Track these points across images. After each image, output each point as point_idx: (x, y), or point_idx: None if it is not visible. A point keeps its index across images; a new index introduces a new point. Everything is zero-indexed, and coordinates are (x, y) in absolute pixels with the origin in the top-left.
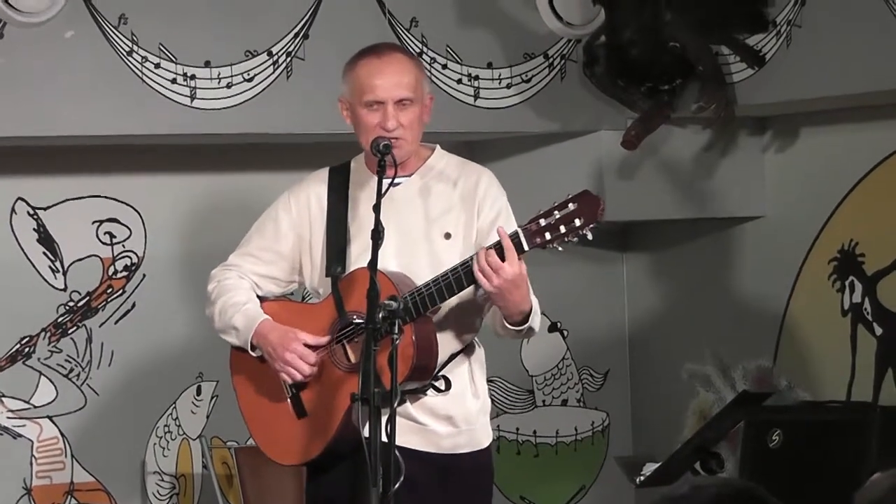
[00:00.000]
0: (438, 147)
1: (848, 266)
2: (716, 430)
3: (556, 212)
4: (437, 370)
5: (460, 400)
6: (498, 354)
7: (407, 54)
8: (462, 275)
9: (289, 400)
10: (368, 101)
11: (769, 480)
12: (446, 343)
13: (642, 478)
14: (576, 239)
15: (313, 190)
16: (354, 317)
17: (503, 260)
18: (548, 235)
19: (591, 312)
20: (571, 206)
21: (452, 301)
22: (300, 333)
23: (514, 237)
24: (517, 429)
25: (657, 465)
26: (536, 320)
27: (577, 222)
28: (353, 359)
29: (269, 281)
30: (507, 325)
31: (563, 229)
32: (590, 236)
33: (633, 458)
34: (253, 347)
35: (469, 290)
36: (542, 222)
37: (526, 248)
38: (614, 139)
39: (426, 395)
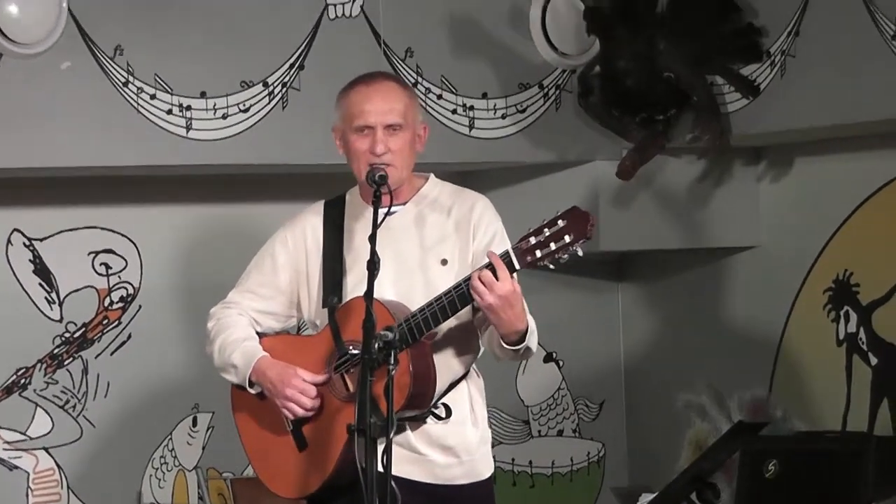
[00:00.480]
0: (432, 175)
1: (843, 296)
2: (712, 460)
3: (545, 229)
4: (436, 398)
5: (460, 429)
6: (494, 385)
7: (398, 82)
8: (455, 297)
9: (290, 433)
10: (358, 126)
11: None
12: (445, 370)
13: None
14: (566, 256)
15: (309, 224)
16: (351, 347)
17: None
18: (538, 253)
19: (586, 342)
20: (561, 223)
21: (450, 327)
22: (299, 370)
23: (505, 256)
24: (513, 459)
25: (653, 496)
26: (533, 340)
27: (567, 238)
28: (351, 388)
29: (269, 317)
30: (503, 345)
31: (553, 246)
32: (580, 253)
33: (629, 488)
34: (252, 384)
35: (466, 316)
36: (533, 240)
37: (517, 266)
38: (609, 169)
39: (426, 422)
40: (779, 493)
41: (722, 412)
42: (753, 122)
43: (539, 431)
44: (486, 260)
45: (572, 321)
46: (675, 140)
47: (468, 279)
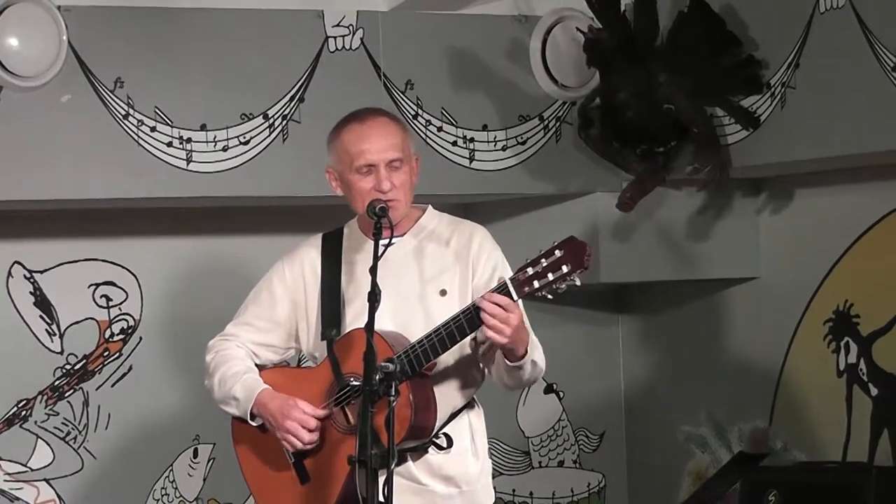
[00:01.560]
0: (430, 207)
1: (843, 327)
2: (712, 491)
3: (542, 259)
4: (437, 429)
5: (461, 459)
6: (494, 415)
7: (390, 116)
8: (454, 329)
9: (292, 466)
10: (360, 167)
11: None
12: (446, 401)
13: None
14: (564, 286)
15: (307, 257)
16: (351, 379)
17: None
18: (536, 284)
19: (586, 374)
20: (558, 253)
21: (450, 358)
22: (300, 402)
23: (503, 287)
24: (514, 490)
25: None
26: (538, 354)
27: (565, 269)
28: (352, 421)
29: (267, 349)
30: (508, 363)
31: (551, 277)
32: (578, 283)
33: None
34: (253, 417)
35: (467, 347)
36: (530, 271)
37: (515, 297)
38: (609, 201)
39: (428, 452)
40: None
41: (722, 443)
42: (753, 153)
43: (540, 462)
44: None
45: (573, 352)
46: (675, 172)
47: (468, 310)
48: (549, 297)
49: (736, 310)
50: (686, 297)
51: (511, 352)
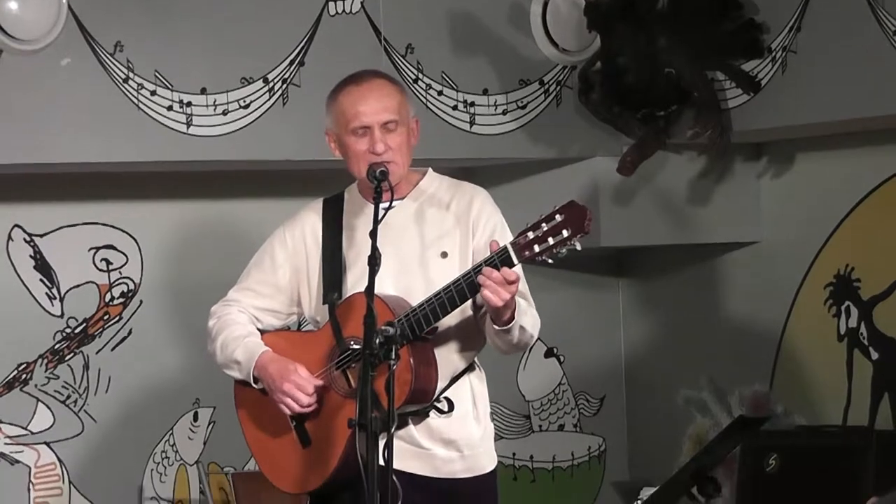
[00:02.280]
0: (430, 170)
1: (844, 291)
2: (713, 454)
3: (543, 224)
4: (437, 392)
5: (463, 423)
6: (495, 380)
7: (388, 79)
8: (455, 293)
9: (293, 429)
10: (354, 128)
11: None
12: (447, 365)
13: (639, 502)
14: (564, 251)
15: (308, 222)
16: (352, 342)
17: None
18: (536, 248)
19: (587, 338)
20: (558, 218)
21: (451, 322)
22: (299, 366)
23: (503, 252)
24: (514, 454)
25: (654, 490)
26: (526, 319)
27: (566, 233)
28: (353, 384)
29: (269, 314)
30: (496, 327)
31: (551, 241)
32: (578, 247)
33: (630, 483)
34: (255, 380)
35: (468, 311)
36: (531, 235)
37: (515, 261)
38: (610, 165)
39: (429, 416)
40: (779, 487)
41: (722, 407)
42: (754, 118)
43: (540, 426)
44: (486, 253)
45: (573, 317)
46: (675, 136)
47: (469, 274)
48: (550, 261)
49: (737, 274)
50: (687, 261)
51: (498, 316)
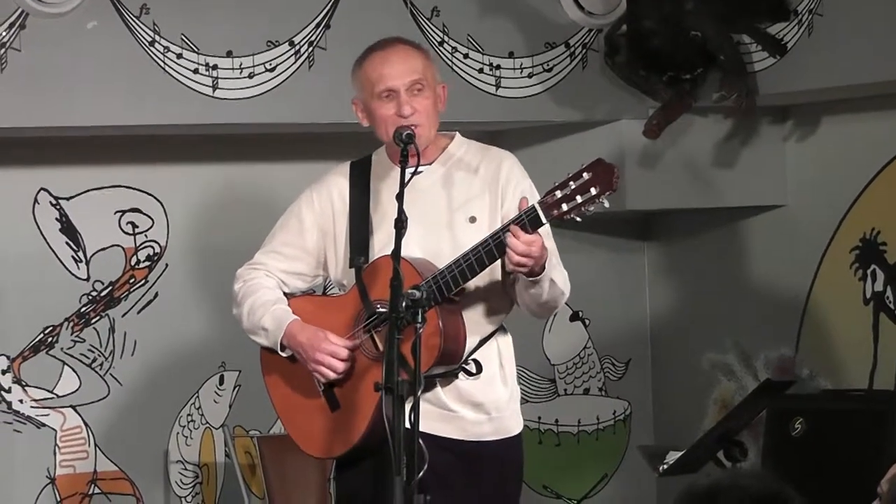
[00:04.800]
0: (458, 134)
1: (870, 255)
2: (739, 418)
3: (571, 182)
4: (465, 355)
5: (490, 386)
6: (520, 343)
7: (411, 44)
8: (483, 254)
9: (322, 394)
10: (380, 92)
11: (792, 469)
12: (475, 327)
13: (665, 466)
14: (592, 208)
15: (335, 184)
16: (378, 306)
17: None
18: (565, 206)
19: (612, 302)
20: (586, 176)
21: (479, 285)
22: (329, 334)
23: (531, 211)
24: (539, 418)
25: (680, 454)
26: (557, 274)
27: (594, 191)
28: (381, 348)
29: (296, 277)
30: (527, 279)
31: (579, 199)
32: (606, 204)
33: (656, 447)
34: (283, 348)
35: (496, 273)
36: (559, 194)
37: (544, 220)
38: (636, 128)
39: (457, 378)
40: (805, 451)
41: (748, 371)
42: (780, 81)
43: (565, 390)
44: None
45: (598, 280)
46: (701, 99)
47: (496, 236)
48: (578, 219)
49: (762, 238)
50: (712, 224)
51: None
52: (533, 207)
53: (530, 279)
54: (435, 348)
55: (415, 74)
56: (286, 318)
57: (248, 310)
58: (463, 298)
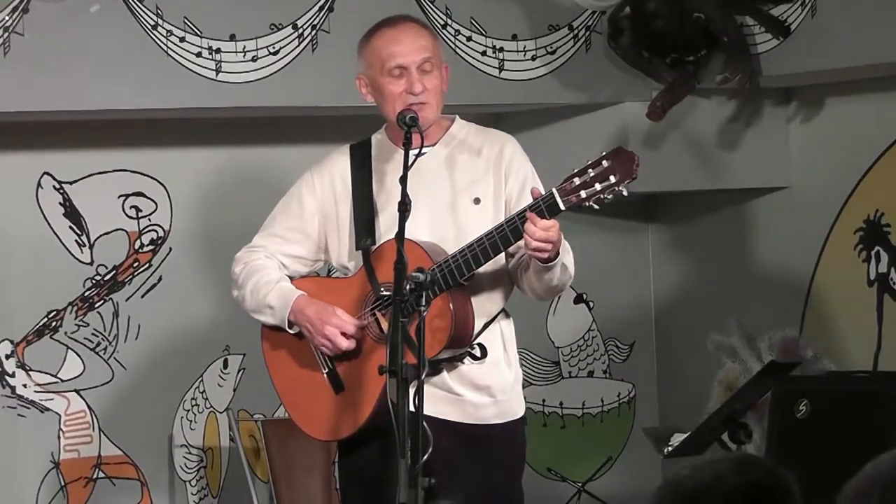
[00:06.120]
0: (458, 117)
1: (874, 236)
2: (743, 400)
3: (590, 170)
4: (472, 339)
5: (495, 369)
6: (524, 326)
7: (420, 23)
8: (498, 239)
9: (325, 375)
10: (391, 68)
11: (796, 450)
12: (479, 311)
13: (670, 448)
14: (611, 196)
15: (336, 167)
16: (382, 289)
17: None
18: (583, 194)
19: (616, 284)
20: (605, 164)
21: (485, 268)
22: (337, 309)
23: (550, 197)
24: (543, 400)
25: (685, 436)
26: (568, 258)
27: (613, 178)
28: (386, 330)
29: (296, 260)
30: (540, 264)
31: (598, 186)
32: (625, 192)
33: (661, 429)
34: (290, 325)
35: (500, 257)
36: (577, 181)
37: (562, 207)
38: (639, 110)
39: (463, 363)
40: (810, 432)
41: (752, 353)
42: (784, 62)
43: (570, 372)
44: (522, 200)
45: (602, 263)
46: (705, 81)
47: (511, 221)
48: (596, 207)
49: (766, 219)
50: (716, 206)
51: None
52: (551, 193)
53: (544, 265)
54: (446, 333)
55: (425, 52)
56: (292, 293)
57: (252, 289)
58: (469, 282)
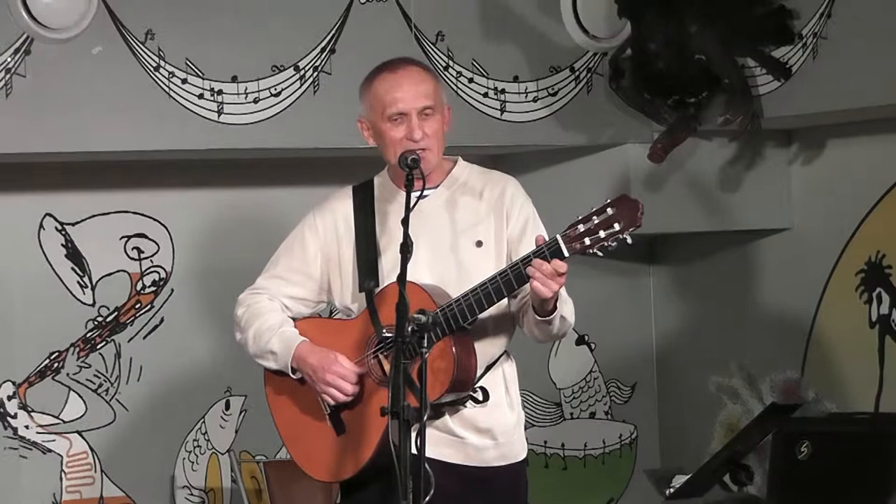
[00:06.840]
0: (460, 158)
1: (875, 278)
2: (745, 441)
3: (594, 217)
4: (474, 382)
5: (497, 412)
6: (526, 367)
7: (421, 66)
8: (501, 284)
9: (327, 417)
10: (391, 115)
11: (798, 492)
12: (482, 354)
13: (672, 490)
14: (615, 244)
15: (339, 208)
16: (385, 331)
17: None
18: (587, 241)
19: (618, 325)
20: (610, 211)
21: (487, 312)
22: (339, 356)
23: (554, 243)
24: (545, 442)
25: (687, 478)
26: (567, 309)
27: (617, 226)
28: (389, 372)
29: (299, 302)
30: (538, 318)
31: (602, 234)
32: (629, 240)
33: (662, 470)
34: (293, 371)
35: (503, 301)
36: (581, 228)
37: (566, 254)
38: (641, 152)
39: (465, 406)
40: (811, 474)
41: (754, 394)
42: (785, 104)
43: (571, 414)
44: (524, 244)
45: (604, 304)
46: (706, 123)
47: (516, 265)
48: (600, 254)
49: (767, 261)
50: (717, 247)
51: (542, 306)
52: (555, 240)
53: (542, 318)
54: (448, 375)
55: (426, 100)
56: (295, 339)
57: (255, 334)
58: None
